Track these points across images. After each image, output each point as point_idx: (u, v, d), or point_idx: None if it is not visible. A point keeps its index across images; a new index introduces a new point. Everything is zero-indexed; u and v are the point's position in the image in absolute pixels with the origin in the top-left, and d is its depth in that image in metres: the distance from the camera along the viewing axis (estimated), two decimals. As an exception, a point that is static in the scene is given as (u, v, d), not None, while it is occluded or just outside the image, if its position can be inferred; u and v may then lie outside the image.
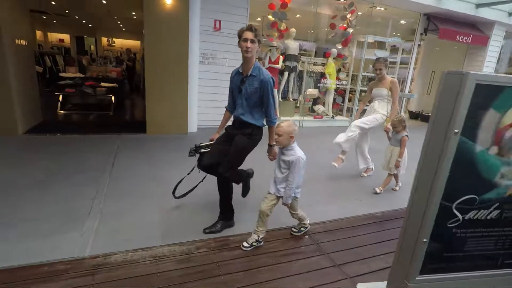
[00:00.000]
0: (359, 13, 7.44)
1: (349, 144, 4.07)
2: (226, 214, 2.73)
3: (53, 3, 9.72)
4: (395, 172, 3.74)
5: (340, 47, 7.43)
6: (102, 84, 7.50)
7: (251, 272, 2.16)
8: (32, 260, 2.07)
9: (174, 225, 2.69)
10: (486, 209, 1.42)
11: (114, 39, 17.68)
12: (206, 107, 6.07)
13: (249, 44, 2.46)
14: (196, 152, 2.73)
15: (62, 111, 6.84)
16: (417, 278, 1.47)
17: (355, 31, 7.59)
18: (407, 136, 3.57)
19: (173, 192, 2.94)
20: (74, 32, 16.65)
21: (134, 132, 5.60)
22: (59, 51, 14.14)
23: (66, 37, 16.80)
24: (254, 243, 2.44)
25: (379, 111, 4.03)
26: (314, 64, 8.00)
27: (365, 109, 4.40)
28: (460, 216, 1.40)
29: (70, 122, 6.32)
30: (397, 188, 3.92)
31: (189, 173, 2.85)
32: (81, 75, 8.01)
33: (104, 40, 17.59)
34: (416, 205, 1.42)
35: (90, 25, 15.79)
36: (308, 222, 2.72)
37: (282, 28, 6.61)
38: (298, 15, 8.18)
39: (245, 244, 2.45)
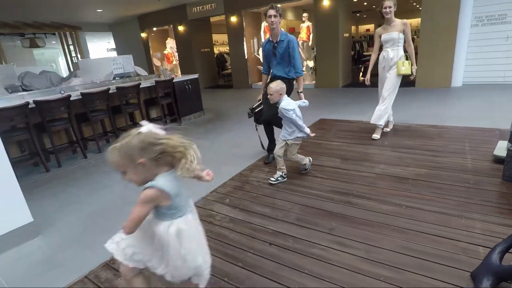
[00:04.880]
0: None
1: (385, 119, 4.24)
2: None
3: (365, 3, 13.45)
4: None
5: None
6: (390, 57, 10.15)
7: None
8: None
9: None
10: None
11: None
12: (474, 65, 6.90)
13: (273, 19, 2.95)
14: (252, 113, 3.37)
15: (362, 77, 10.33)
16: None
17: None
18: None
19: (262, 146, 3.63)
20: (377, 22, 20.36)
21: (405, 86, 7.78)
22: (365, 38, 18.40)
23: (371, 26, 20.96)
24: (279, 178, 2.84)
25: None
26: None
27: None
28: None
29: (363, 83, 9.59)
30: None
31: (256, 129, 3.53)
32: (377, 53, 11.13)
33: (399, 22, 20.00)
34: None
35: (390, 12, 18.67)
36: (308, 162, 2.97)
37: None
38: None
39: (272, 179, 2.84)
